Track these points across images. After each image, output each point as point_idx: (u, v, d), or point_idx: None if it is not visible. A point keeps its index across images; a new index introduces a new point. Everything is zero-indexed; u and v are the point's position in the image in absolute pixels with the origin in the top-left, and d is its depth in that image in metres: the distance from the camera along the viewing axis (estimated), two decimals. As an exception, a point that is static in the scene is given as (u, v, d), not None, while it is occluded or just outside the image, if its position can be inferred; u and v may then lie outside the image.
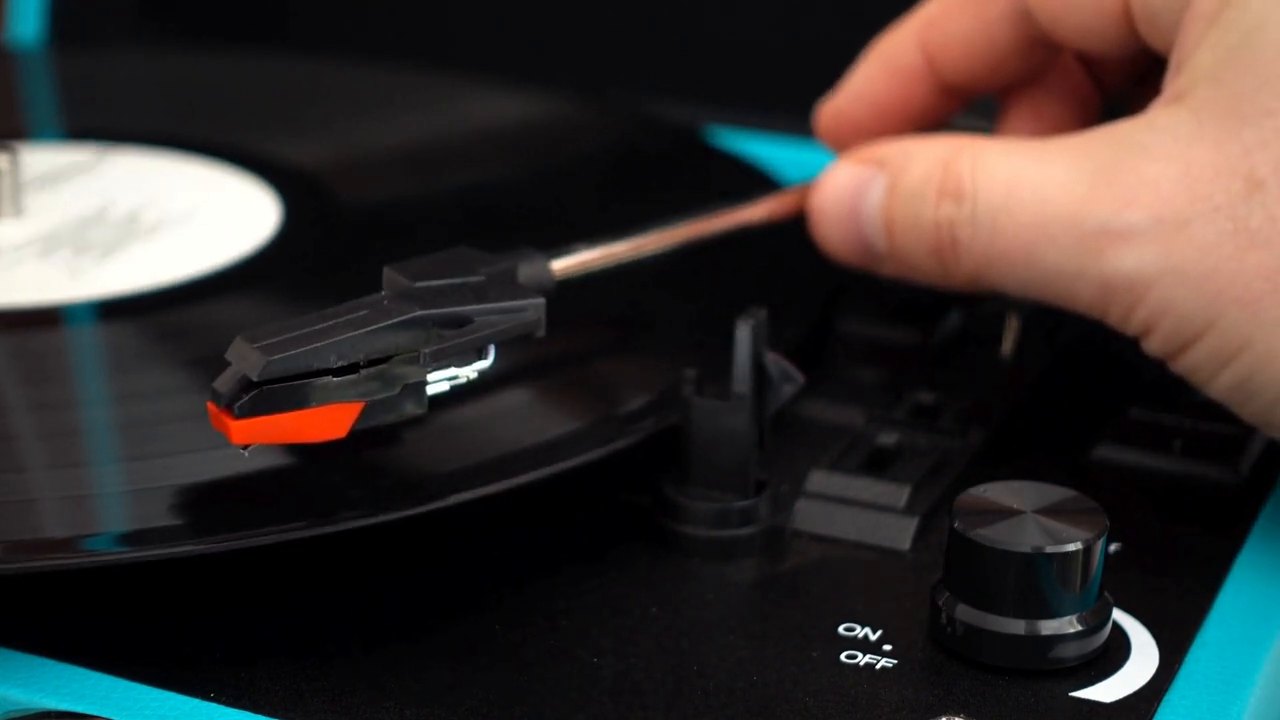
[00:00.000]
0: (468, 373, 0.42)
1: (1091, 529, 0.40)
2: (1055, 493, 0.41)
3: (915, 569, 0.44)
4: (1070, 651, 0.40)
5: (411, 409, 0.41)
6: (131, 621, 0.41)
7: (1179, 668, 0.41)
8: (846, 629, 0.42)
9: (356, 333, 0.40)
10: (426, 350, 0.41)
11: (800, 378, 0.44)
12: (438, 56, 0.73)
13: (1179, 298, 0.42)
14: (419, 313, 0.41)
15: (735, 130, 0.65)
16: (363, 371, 0.40)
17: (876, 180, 0.47)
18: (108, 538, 0.41)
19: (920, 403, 0.49)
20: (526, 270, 0.44)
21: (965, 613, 0.40)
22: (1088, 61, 0.51)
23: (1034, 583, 0.40)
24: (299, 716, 0.39)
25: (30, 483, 0.43)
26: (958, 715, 0.39)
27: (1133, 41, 0.47)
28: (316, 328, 0.40)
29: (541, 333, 0.43)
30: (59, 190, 0.57)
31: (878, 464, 0.46)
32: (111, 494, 0.42)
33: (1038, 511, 0.40)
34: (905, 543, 0.45)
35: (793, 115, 0.66)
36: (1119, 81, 0.51)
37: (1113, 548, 0.44)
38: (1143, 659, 0.41)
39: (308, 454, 0.43)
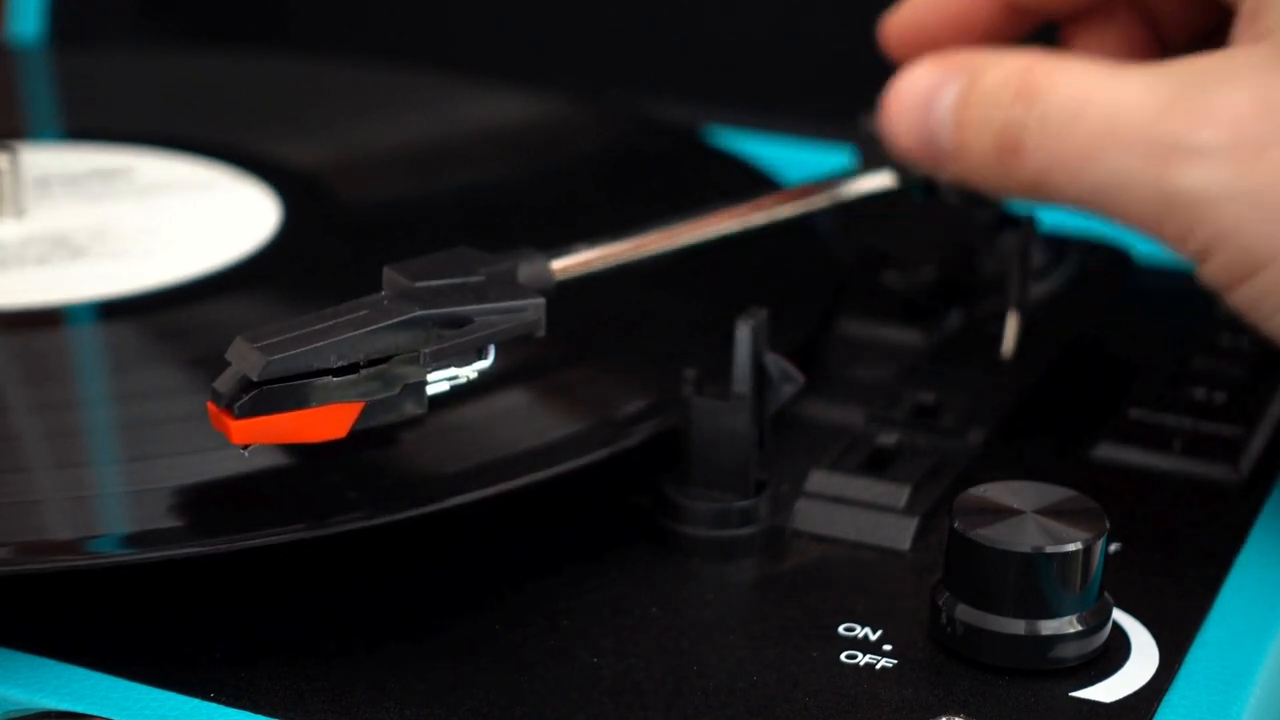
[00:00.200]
0: (468, 373, 0.42)
1: (1091, 529, 0.40)
2: (1055, 493, 0.41)
3: (915, 569, 0.44)
4: (1070, 651, 0.40)
5: (411, 409, 0.41)
6: (132, 622, 0.41)
7: (1179, 668, 0.41)
8: (846, 629, 0.42)
9: (356, 333, 0.40)
10: (426, 350, 0.41)
11: (800, 378, 0.44)
12: (438, 56, 0.73)
13: (1248, 222, 0.42)
14: (419, 313, 0.41)
15: (735, 130, 0.65)
16: (363, 371, 0.40)
17: (954, 80, 0.47)
18: (110, 540, 0.41)
19: (920, 403, 0.49)
20: (526, 270, 0.44)
21: (965, 613, 0.40)
22: (1150, 14, 0.51)
23: (1034, 583, 0.40)
24: (299, 716, 0.39)
25: (31, 484, 0.43)
26: (958, 715, 0.39)
27: None
28: (316, 328, 0.40)
29: (541, 333, 0.43)
30: (59, 190, 0.57)
31: (878, 464, 0.46)
32: (113, 495, 0.42)
33: (1038, 511, 0.40)
34: (905, 543, 0.45)
35: (793, 115, 0.66)
36: (1180, 36, 0.52)
37: (1113, 548, 0.44)
38: (1143, 659, 0.41)
39: (309, 454, 0.43)
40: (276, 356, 0.39)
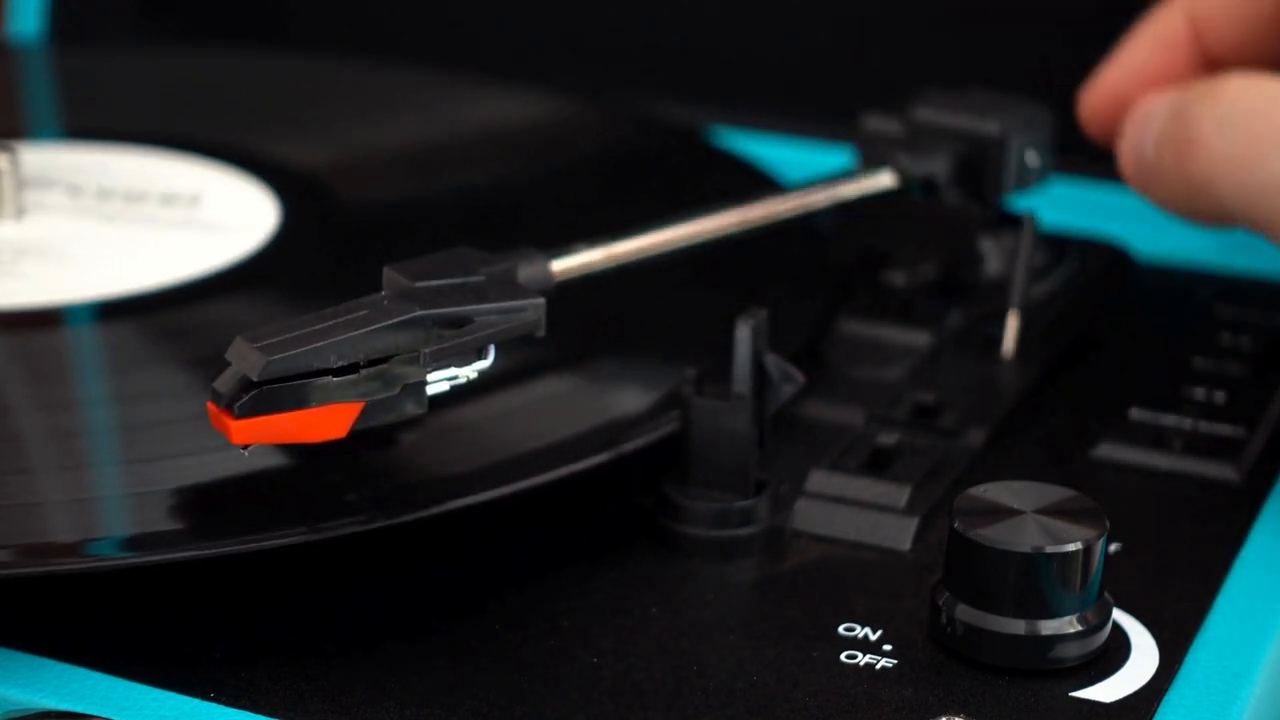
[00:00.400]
0: (468, 373, 0.42)
1: (1091, 529, 0.40)
2: (1055, 493, 0.41)
3: (915, 569, 0.44)
4: (1070, 651, 0.40)
5: (411, 409, 0.41)
6: (132, 622, 0.41)
7: (1179, 668, 0.41)
8: (846, 629, 0.42)
9: (356, 333, 0.40)
10: (426, 350, 0.41)
11: (800, 378, 0.44)
12: (438, 56, 0.73)
13: None
14: (419, 313, 0.41)
15: (735, 130, 0.65)
16: (363, 371, 0.40)
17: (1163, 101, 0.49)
18: (111, 543, 0.41)
19: (920, 403, 0.49)
20: (526, 270, 0.44)
21: (965, 613, 0.40)
22: None
23: (1034, 583, 0.40)
24: (299, 716, 0.39)
25: (31, 485, 0.43)
26: (958, 715, 0.39)
27: None
28: (316, 328, 0.40)
29: (541, 333, 0.43)
30: (59, 190, 0.57)
31: (878, 464, 0.46)
32: (113, 497, 0.42)
33: (1038, 511, 0.40)
34: (905, 543, 0.45)
35: (793, 115, 0.66)
36: None
37: (1113, 548, 0.44)
38: (1143, 659, 0.41)
39: (310, 455, 0.43)
40: (276, 356, 0.39)
